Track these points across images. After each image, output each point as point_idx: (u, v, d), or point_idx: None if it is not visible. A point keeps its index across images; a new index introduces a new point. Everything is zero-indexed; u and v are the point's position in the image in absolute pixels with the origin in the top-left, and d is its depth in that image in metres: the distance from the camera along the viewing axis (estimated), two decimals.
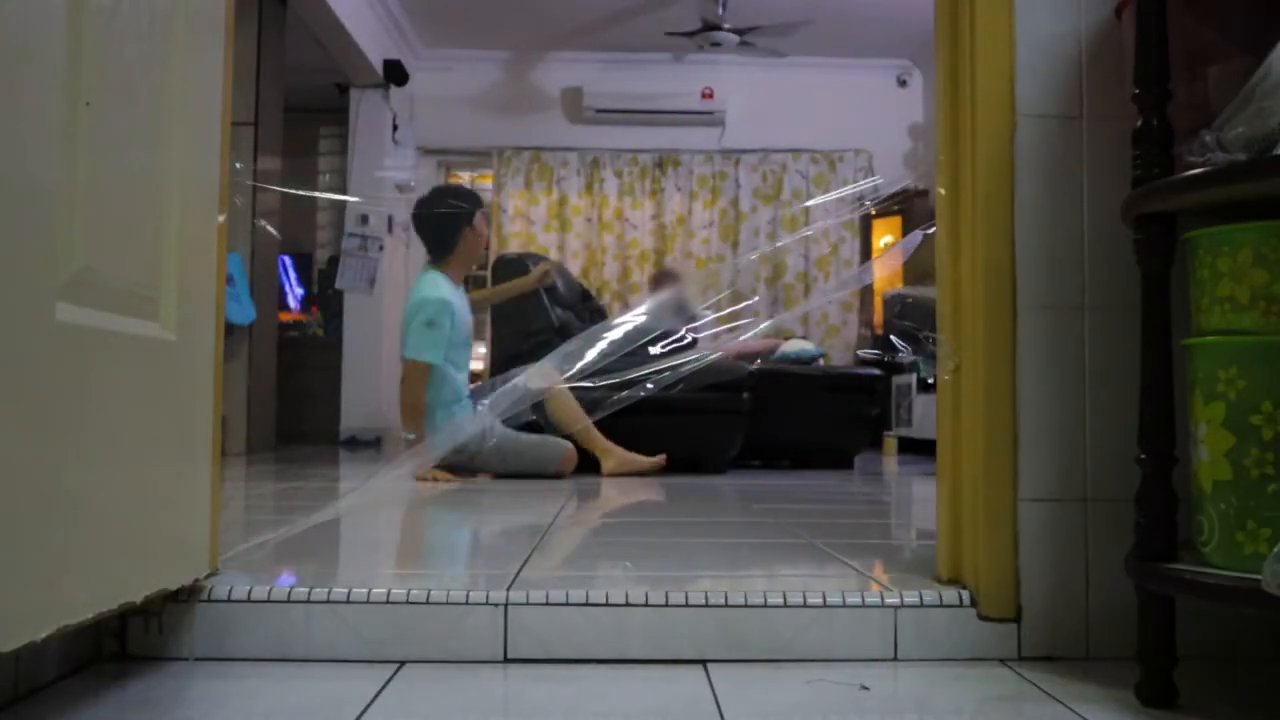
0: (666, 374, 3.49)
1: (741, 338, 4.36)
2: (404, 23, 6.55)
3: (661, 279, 5.79)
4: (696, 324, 4.21)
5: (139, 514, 1.18)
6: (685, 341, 3.98)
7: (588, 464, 4.01)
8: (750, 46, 6.18)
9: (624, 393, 3.47)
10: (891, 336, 4.95)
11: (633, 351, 3.39)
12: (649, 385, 3.46)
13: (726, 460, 4.34)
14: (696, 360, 3.56)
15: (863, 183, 6.58)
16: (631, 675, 1.28)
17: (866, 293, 6.98)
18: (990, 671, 1.31)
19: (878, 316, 6.55)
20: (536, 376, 3.61)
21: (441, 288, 3.86)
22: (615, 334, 3.33)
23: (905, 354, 4.78)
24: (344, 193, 6.58)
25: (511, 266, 4.60)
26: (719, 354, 4.30)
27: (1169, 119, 1.18)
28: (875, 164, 7.07)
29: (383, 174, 6.54)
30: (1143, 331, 1.20)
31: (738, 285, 6.96)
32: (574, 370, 3.27)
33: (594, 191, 7.15)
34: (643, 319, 3.45)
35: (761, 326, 4.22)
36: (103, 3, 1.07)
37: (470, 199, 4.04)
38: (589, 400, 3.66)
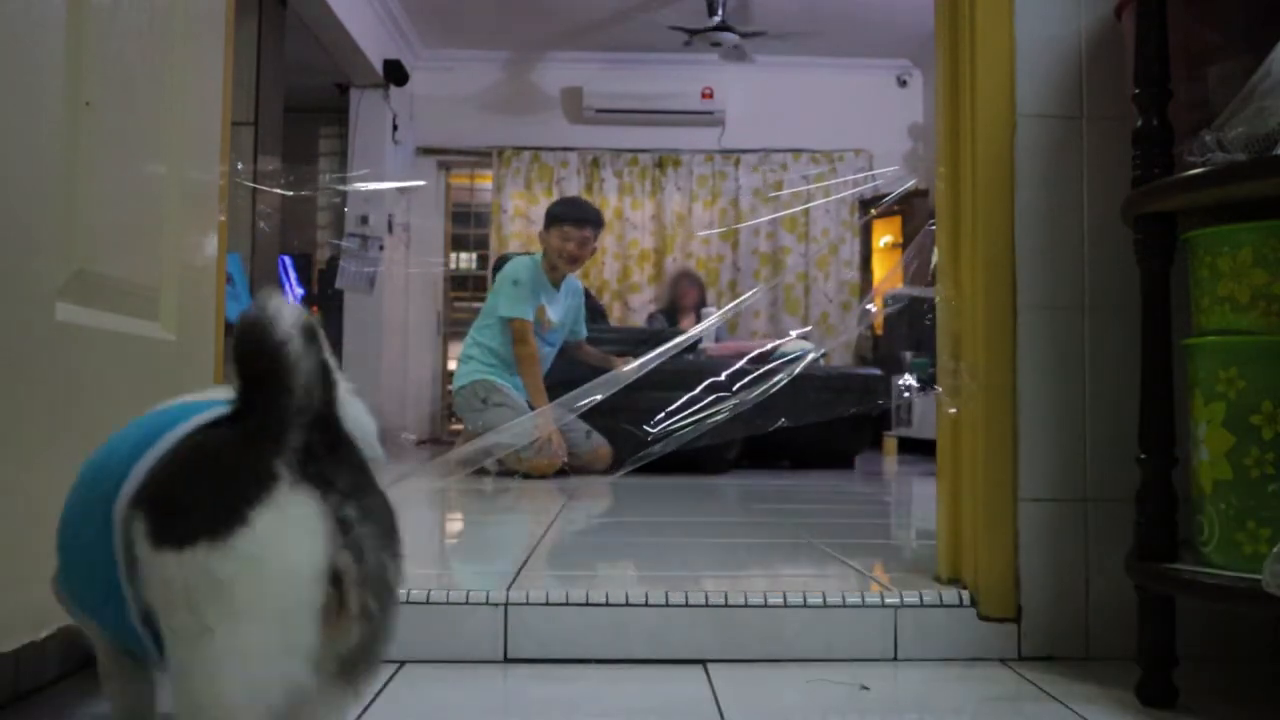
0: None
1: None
2: (404, 23, 6.54)
3: (680, 281, 5.76)
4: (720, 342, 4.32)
5: None
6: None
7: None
8: (751, 45, 6.18)
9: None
10: (910, 379, 5.00)
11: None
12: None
13: (726, 460, 4.34)
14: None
15: (863, 186, 6.58)
16: (631, 675, 1.28)
17: (867, 292, 6.98)
18: (990, 671, 1.31)
19: (878, 317, 6.54)
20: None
21: (532, 265, 4.21)
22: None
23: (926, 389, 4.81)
24: (344, 193, 6.58)
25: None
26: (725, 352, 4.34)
27: (1169, 119, 1.18)
28: (875, 164, 7.07)
29: (382, 174, 6.53)
30: (1143, 331, 1.20)
31: (739, 286, 6.98)
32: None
33: (594, 191, 7.14)
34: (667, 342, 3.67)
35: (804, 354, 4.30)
36: (103, 2, 1.07)
37: (561, 212, 4.32)
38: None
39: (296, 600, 0.60)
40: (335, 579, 0.62)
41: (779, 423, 3.97)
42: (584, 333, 4.45)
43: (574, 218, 4.26)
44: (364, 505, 0.64)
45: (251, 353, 0.63)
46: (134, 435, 0.72)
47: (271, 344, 0.62)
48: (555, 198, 7.12)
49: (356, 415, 0.72)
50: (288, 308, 0.64)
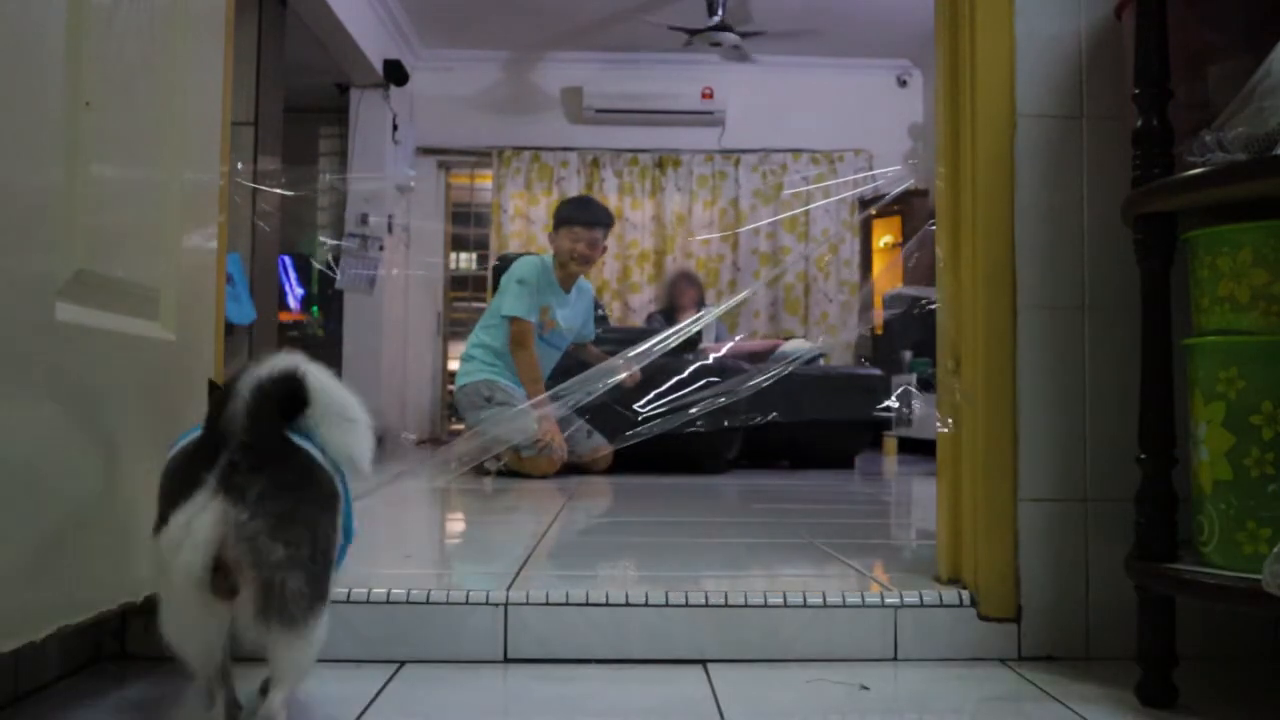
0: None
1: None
2: (404, 23, 6.54)
3: (679, 281, 5.76)
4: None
5: (139, 513, 1.18)
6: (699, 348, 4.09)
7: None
8: (751, 45, 6.18)
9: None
10: (912, 392, 5.02)
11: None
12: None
13: (726, 460, 4.34)
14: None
15: (864, 186, 6.57)
16: (631, 675, 1.28)
17: (867, 292, 6.98)
18: (990, 671, 1.31)
19: (878, 317, 6.54)
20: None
21: (541, 266, 4.13)
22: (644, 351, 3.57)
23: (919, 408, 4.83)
24: (345, 194, 6.58)
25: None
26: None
27: (1169, 119, 1.18)
28: (875, 164, 7.06)
29: (382, 174, 6.54)
30: (1143, 331, 1.20)
31: (738, 286, 6.98)
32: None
33: (594, 191, 7.13)
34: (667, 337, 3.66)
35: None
36: (103, 2, 1.07)
37: (570, 213, 4.23)
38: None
39: (183, 594, 0.87)
40: (224, 566, 0.86)
41: (771, 416, 3.97)
42: (591, 334, 4.42)
43: (584, 219, 4.20)
44: (262, 508, 0.87)
45: (216, 394, 0.90)
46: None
47: (221, 392, 0.89)
48: (555, 197, 7.13)
49: (340, 441, 0.97)
50: (259, 374, 0.89)
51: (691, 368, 3.89)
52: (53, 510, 0.99)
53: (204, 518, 0.85)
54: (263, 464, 0.87)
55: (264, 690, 0.98)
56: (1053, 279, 1.39)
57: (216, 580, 0.86)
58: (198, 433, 0.93)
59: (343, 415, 0.96)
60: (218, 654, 0.93)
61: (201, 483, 0.85)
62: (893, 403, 4.98)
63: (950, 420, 1.46)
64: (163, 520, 0.87)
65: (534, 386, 3.96)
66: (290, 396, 0.91)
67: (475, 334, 4.26)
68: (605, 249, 4.38)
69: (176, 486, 0.87)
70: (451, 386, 7.34)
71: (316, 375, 0.93)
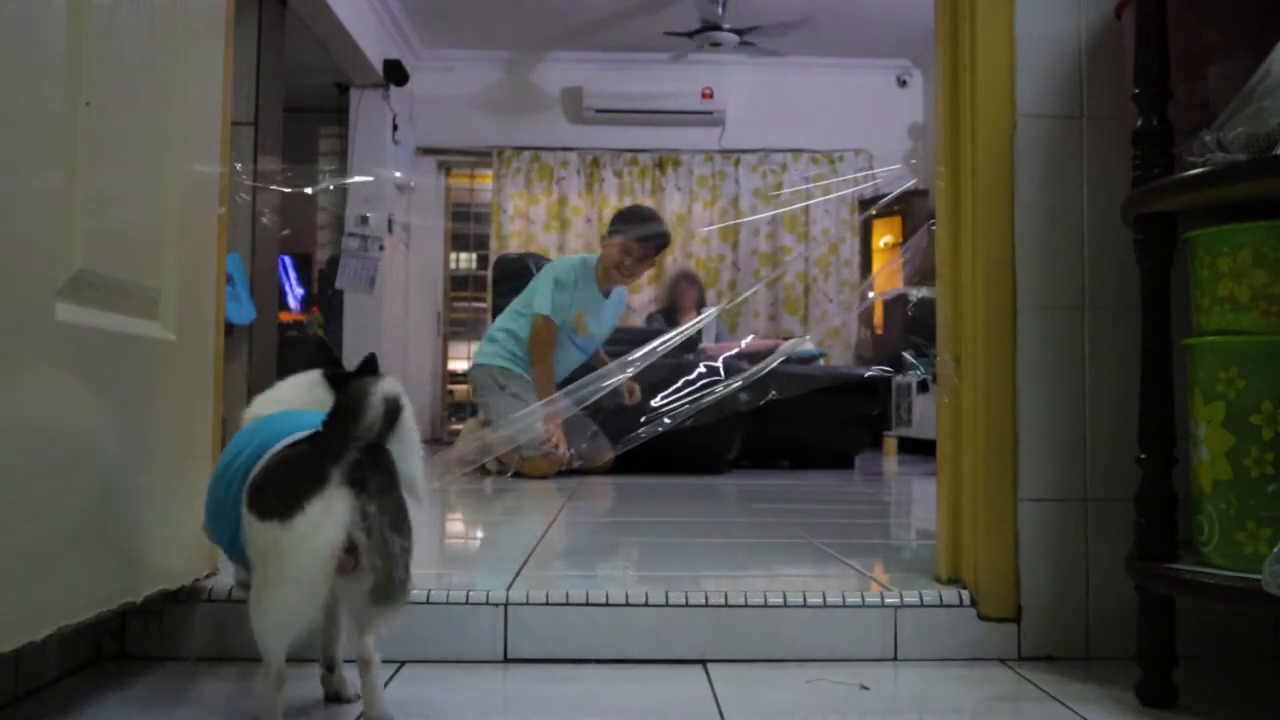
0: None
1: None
2: (404, 23, 6.54)
3: (679, 281, 5.75)
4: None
5: (139, 513, 1.18)
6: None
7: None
8: (750, 46, 6.18)
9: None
10: (905, 354, 4.97)
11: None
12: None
13: (726, 460, 4.34)
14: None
15: (863, 185, 6.56)
16: (631, 675, 1.28)
17: (867, 293, 6.98)
18: (990, 671, 1.31)
19: (878, 316, 6.55)
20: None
21: (581, 266, 4.06)
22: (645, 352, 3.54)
23: (918, 372, 4.80)
24: (344, 193, 6.57)
25: (512, 266, 4.61)
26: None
27: (1169, 119, 1.18)
28: (875, 164, 7.06)
29: (382, 173, 6.53)
30: (1143, 331, 1.20)
31: (739, 286, 6.98)
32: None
33: (594, 191, 7.14)
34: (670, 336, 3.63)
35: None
36: (103, 2, 1.07)
37: (626, 226, 4.10)
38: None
39: (320, 571, 0.97)
40: (353, 548, 0.98)
41: (769, 395, 3.94)
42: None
43: (639, 235, 4.02)
44: (382, 501, 1.00)
45: (345, 400, 1.01)
46: (265, 436, 1.07)
47: (358, 401, 1.00)
48: (555, 197, 7.14)
49: (408, 464, 1.07)
50: (384, 390, 1.01)
51: (698, 371, 3.88)
52: (52, 510, 0.99)
53: (339, 505, 0.96)
54: (377, 462, 1.01)
55: (328, 698, 1.14)
56: (1053, 279, 1.39)
57: (344, 559, 0.99)
58: (299, 429, 1.05)
59: (414, 446, 1.08)
60: (301, 636, 1.02)
61: (330, 476, 0.97)
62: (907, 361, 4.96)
63: (950, 420, 1.46)
64: (297, 507, 0.96)
65: (545, 389, 3.91)
66: (395, 416, 1.04)
67: (504, 317, 4.17)
68: (652, 264, 4.29)
69: (307, 479, 0.98)
70: (452, 387, 7.35)
71: (407, 402, 1.06)
